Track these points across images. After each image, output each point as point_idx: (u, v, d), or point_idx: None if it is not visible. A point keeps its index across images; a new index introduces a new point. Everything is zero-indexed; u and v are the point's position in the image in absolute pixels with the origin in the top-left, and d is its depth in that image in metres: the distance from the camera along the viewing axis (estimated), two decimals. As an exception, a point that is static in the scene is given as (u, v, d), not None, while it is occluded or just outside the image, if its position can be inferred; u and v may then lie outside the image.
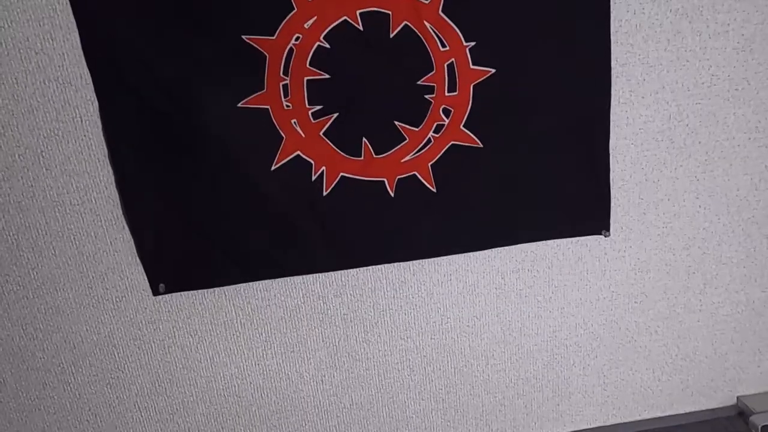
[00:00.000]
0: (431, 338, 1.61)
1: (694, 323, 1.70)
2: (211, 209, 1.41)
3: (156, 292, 1.45)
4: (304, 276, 1.50)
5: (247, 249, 1.45)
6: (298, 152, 1.38)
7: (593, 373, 1.72)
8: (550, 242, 1.56)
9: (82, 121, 1.31)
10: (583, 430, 1.78)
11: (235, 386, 1.58)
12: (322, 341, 1.57)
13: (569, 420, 1.77)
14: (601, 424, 1.78)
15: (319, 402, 1.63)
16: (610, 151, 1.48)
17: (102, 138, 1.32)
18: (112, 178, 1.36)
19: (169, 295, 1.46)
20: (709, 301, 1.68)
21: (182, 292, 1.47)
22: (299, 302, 1.53)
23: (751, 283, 1.68)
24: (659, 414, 1.79)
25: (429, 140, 1.41)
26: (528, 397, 1.72)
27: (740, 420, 1.78)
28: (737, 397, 1.81)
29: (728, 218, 1.60)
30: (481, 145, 1.43)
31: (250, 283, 1.49)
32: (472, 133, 1.42)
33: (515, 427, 1.75)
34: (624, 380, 1.74)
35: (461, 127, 1.41)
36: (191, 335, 1.52)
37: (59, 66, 1.27)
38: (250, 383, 1.59)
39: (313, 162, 1.39)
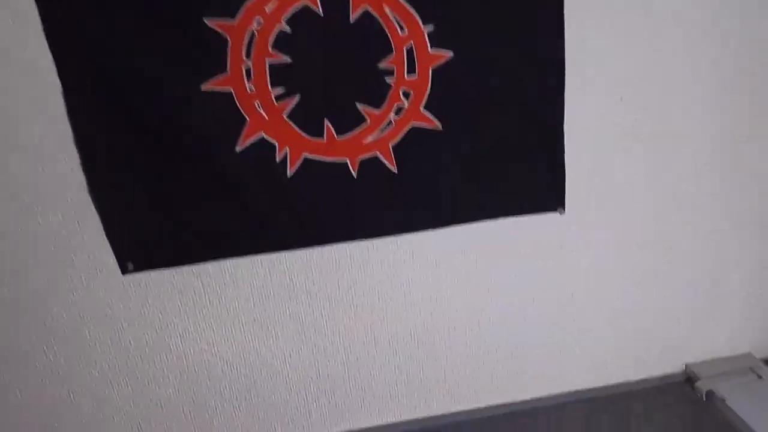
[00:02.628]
0: (394, 313, 1.67)
1: (646, 298, 1.79)
2: (178, 190, 1.44)
3: (124, 271, 1.49)
4: (270, 254, 1.55)
5: (214, 228, 1.49)
6: (262, 134, 1.41)
7: (549, 345, 1.81)
8: (508, 219, 1.61)
9: (47, 106, 1.31)
10: (540, 397, 1.86)
11: (205, 361, 1.63)
12: (289, 317, 1.62)
13: (528, 389, 1.86)
14: (556, 392, 1.87)
15: (288, 375, 1.69)
16: (565, 132, 1.53)
17: (67, 121, 1.33)
18: (78, 160, 1.37)
19: (138, 273, 1.50)
20: (662, 274, 1.77)
21: (151, 271, 1.51)
22: (266, 279, 1.57)
23: (699, 259, 1.77)
24: (613, 381, 1.89)
25: (390, 122, 1.45)
26: (489, 368, 1.80)
27: (688, 386, 1.88)
28: (685, 365, 1.91)
29: (676, 202, 1.68)
30: (441, 128, 1.47)
31: (218, 261, 1.53)
32: (431, 115, 1.46)
33: (478, 397, 1.84)
34: (578, 351, 1.83)
35: (421, 109, 1.45)
36: (161, 312, 1.56)
37: (22, 49, 1.27)
38: (220, 358, 1.64)
39: (276, 143, 1.42)
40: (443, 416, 1.83)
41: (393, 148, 1.48)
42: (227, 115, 1.38)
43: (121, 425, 1.67)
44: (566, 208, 1.62)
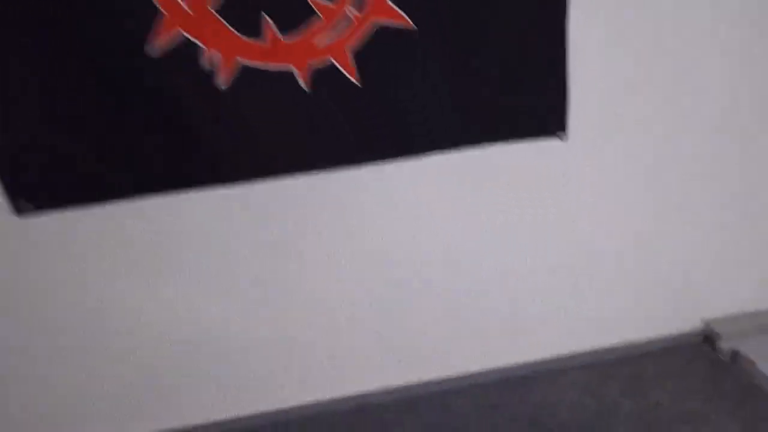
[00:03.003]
0: (371, 267, 1.42)
1: (657, 243, 1.53)
2: (83, 108, 1.15)
3: (20, 211, 1.20)
4: (207, 190, 1.26)
5: (133, 157, 1.21)
6: (182, 32, 1.11)
7: (548, 301, 1.56)
8: (499, 147, 1.33)
9: None
10: (542, 360, 1.64)
11: (143, 326, 1.37)
12: (246, 272, 1.36)
13: (524, 352, 1.62)
14: (560, 354, 1.64)
15: (251, 341, 1.44)
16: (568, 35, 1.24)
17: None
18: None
19: (40, 215, 1.21)
20: (673, 216, 1.50)
21: (55, 211, 1.22)
22: (209, 224, 1.29)
23: (718, 202, 1.50)
24: (620, 341, 1.65)
25: (348, 18, 1.15)
26: (481, 328, 1.56)
27: (707, 346, 1.64)
28: (703, 321, 1.67)
29: (700, 127, 1.39)
30: (414, 27, 1.17)
31: (142, 199, 1.24)
32: (401, 9, 1.16)
33: (469, 361, 1.60)
34: (580, 307, 1.59)
35: (387, 1, 1.15)
36: (73, 262, 1.28)
37: None
38: (163, 322, 1.37)
39: (203, 46, 1.12)
40: (430, 384, 1.61)
41: (354, 53, 1.18)
42: (138, 8, 1.07)
43: (40, 408, 1.41)
44: (569, 135, 1.34)
